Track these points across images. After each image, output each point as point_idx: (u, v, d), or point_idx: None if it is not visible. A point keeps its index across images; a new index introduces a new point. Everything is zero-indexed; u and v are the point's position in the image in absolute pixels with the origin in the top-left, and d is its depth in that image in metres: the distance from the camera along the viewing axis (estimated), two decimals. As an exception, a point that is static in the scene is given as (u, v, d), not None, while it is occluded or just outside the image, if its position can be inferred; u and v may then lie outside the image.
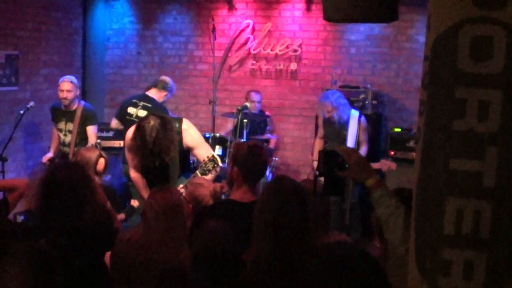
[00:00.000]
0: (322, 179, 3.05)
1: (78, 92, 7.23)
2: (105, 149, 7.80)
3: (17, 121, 7.31)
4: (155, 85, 6.94)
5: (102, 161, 5.04)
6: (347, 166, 2.78)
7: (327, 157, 2.87)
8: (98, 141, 6.83)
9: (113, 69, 9.85)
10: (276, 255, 2.76)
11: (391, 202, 2.61)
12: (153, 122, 4.97)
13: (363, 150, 6.88)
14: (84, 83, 9.61)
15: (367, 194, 2.83)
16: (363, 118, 6.91)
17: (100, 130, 8.24)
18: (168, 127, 5.06)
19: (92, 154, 5.01)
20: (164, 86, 6.88)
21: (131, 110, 6.65)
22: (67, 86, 7.05)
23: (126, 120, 6.66)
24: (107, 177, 7.10)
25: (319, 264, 2.27)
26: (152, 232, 3.35)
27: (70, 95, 7.04)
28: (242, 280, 2.80)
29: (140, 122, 5.08)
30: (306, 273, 2.74)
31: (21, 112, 7.29)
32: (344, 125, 6.95)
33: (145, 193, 5.20)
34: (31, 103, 7.42)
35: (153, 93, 6.79)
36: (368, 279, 1.75)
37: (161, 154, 5.00)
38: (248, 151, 3.80)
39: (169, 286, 2.34)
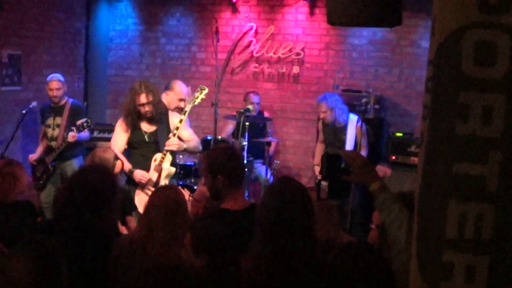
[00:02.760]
0: (324, 183, 3.04)
1: (65, 89, 7.34)
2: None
3: (19, 121, 7.33)
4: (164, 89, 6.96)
5: (119, 164, 5.12)
6: (350, 170, 2.77)
7: (329, 161, 2.86)
8: (86, 119, 6.88)
9: (115, 70, 9.86)
10: (278, 255, 2.76)
11: (395, 207, 2.60)
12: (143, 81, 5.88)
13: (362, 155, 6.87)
14: (86, 84, 9.62)
15: (367, 198, 2.83)
16: (361, 123, 6.91)
17: (101, 131, 8.26)
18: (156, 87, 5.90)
19: (110, 156, 5.05)
20: (166, 86, 6.86)
21: None
22: (56, 84, 7.19)
23: None
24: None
25: (324, 264, 2.30)
26: (155, 231, 3.33)
27: (59, 93, 7.20)
28: (243, 280, 2.80)
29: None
30: (309, 274, 2.76)
31: (23, 112, 7.31)
32: (342, 130, 6.97)
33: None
34: (34, 103, 7.45)
35: (163, 97, 6.79)
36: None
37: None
38: (227, 156, 3.67)
39: (173, 286, 2.35)
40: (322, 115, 7.04)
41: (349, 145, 6.87)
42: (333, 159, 2.87)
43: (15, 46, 8.05)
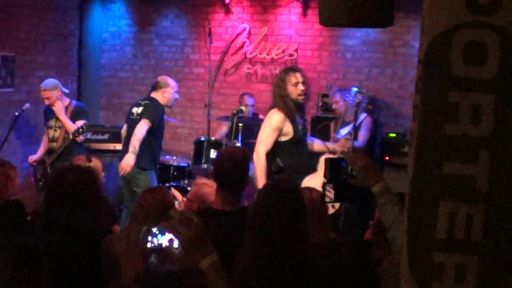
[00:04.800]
0: (329, 186, 3.02)
1: (58, 92, 7.23)
2: (100, 151, 7.84)
3: (12, 122, 7.32)
4: (152, 88, 7.02)
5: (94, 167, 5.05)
6: (354, 173, 2.77)
7: (332, 163, 2.86)
8: (81, 126, 6.90)
9: (109, 72, 9.85)
10: (268, 255, 2.76)
11: (395, 209, 2.60)
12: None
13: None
14: (80, 86, 9.61)
15: (362, 199, 2.82)
16: (368, 119, 7.34)
17: (95, 132, 8.26)
18: None
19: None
20: (157, 85, 6.97)
21: (134, 109, 6.92)
22: (44, 94, 7.17)
23: (130, 120, 6.89)
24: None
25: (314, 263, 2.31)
26: None
27: (51, 100, 7.14)
28: (234, 280, 2.79)
29: None
30: (299, 273, 2.76)
31: (16, 113, 7.31)
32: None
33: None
34: (27, 105, 7.44)
35: (154, 95, 6.90)
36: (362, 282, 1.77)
37: None
38: (221, 159, 3.70)
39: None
40: (334, 105, 7.41)
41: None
42: (336, 162, 2.87)
43: (8, 47, 8.03)
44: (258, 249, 2.78)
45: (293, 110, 5.54)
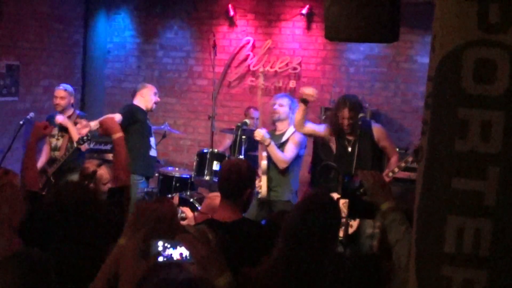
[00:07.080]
0: (342, 201, 3.04)
1: (72, 101, 7.28)
2: (102, 161, 7.83)
3: (16, 131, 7.32)
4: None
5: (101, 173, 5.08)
6: (361, 190, 2.79)
7: (345, 179, 2.90)
8: (82, 136, 6.94)
9: (112, 82, 9.88)
10: (293, 265, 2.78)
11: (402, 228, 2.62)
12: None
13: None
14: (83, 96, 9.64)
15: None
16: (296, 134, 6.67)
17: (98, 143, 8.25)
18: None
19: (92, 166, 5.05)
20: (135, 93, 7.20)
21: None
22: (61, 93, 7.18)
23: None
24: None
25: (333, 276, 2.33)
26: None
27: (63, 102, 7.17)
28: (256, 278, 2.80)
29: None
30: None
31: (21, 122, 7.31)
32: (279, 137, 6.96)
33: None
34: (31, 114, 7.45)
35: (140, 102, 7.11)
36: None
37: None
38: (225, 167, 3.79)
39: None
40: (276, 107, 6.78)
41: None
42: (343, 178, 2.91)
43: (13, 56, 8.07)
44: (284, 258, 2.79)
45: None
